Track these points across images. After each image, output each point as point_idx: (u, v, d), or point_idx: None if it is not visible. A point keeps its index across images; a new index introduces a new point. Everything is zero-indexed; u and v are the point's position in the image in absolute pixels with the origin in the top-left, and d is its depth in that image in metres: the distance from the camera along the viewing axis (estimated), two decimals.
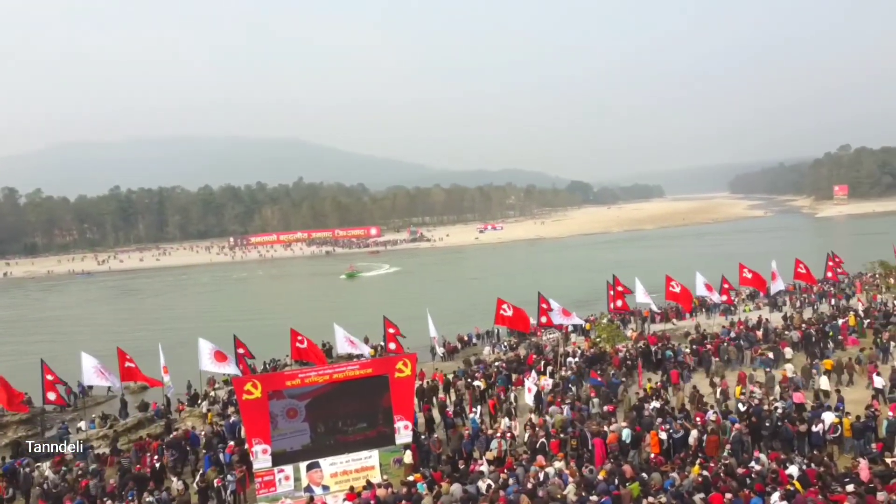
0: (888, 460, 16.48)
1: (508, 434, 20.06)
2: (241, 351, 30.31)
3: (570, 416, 20.90)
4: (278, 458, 17.55)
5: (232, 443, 20.81)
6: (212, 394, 31.64)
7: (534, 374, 27.73)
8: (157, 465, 20.16)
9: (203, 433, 23.03)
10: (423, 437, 20.54)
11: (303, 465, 17.68)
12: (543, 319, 29.70)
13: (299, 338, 30.29)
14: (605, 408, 22.05)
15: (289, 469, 17.65)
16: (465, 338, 42.28)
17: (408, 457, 18.52)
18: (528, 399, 23.86)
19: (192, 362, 30.58)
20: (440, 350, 36.94)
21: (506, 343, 39.44)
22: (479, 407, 23.36)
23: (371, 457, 18.34)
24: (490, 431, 20.35)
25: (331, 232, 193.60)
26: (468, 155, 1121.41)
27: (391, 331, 31.72)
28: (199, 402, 30.23)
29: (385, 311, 35.63)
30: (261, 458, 17.41)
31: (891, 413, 19.01)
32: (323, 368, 19.05)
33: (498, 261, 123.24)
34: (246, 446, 18.49)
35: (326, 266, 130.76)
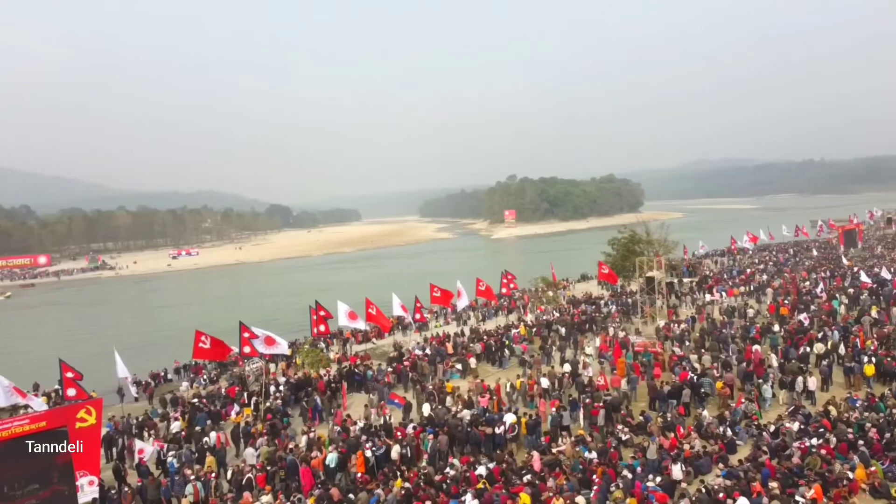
0: (554, 450, 19.29)
1: (212, 475, 19.08)
2: None
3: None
4: None
5: None
6: None
7: (237, 406, 26.84)
8: None
9: None
10: (112, 491, 18.50)
11: None
12: (247, 349, 28.76)
13: None
14: (311, 434, 22.14)
15: None
16: (161, 374, 39.00)
17: None
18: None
19: None
20: (133, 390, 33.47)
21: (205, 377, 37.28)
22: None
23: None
24: (189, 473, 19.13)
25: None
26: (157, 175, 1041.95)
27: (70, 375, 27.81)
28: None
29: (60, 352, 31.35)
30: None
31: (553, 408, 22.33)
32: None
33: (194, 288, 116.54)
34: None
35: None
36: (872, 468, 16.11)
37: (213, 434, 22.81)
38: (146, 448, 21.56)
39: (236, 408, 26.61)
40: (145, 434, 24.64)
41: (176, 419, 25.20)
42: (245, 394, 28.73)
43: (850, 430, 18.41)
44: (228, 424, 25.17)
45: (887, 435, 18.05)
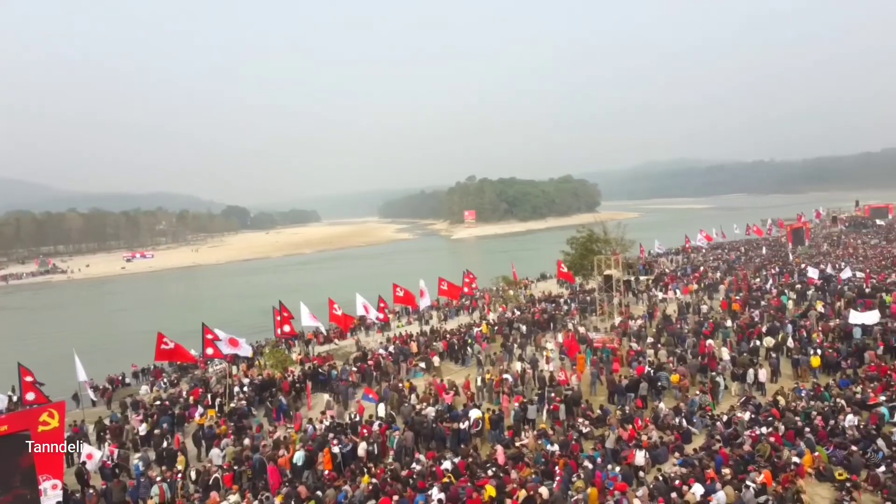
0: (518, 444, 19.79)
1: (178, 475, 19.07)
2: None
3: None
4: None
5: None
6: None
7: (200, 408, 26.71)
8: None
9: None
10: (76, 494, 18.35)
11: None
12: (210, 351, 28.62)
13: None
14: (278, 434, 22.25)
15: None
16: (118, 378, 38.36)
17: None
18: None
19: None
20: (91, 394, 32.87)
21: (164, 381, 36.85)
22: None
23: None
24: (154, 474, 19.09)
25: None
26: (106, 176, 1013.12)
27: (28, 379, 27.31)
28: None
29: (13, 357, 30.72)
30: None
31: (516, 403, 22.84)
32: None
33: (150, 291, 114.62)
34: None
35: None
36: (817, 453, 17.00)
37: (169, 436, 22.81)
38: (95, 453, 21.32)
39: (200, 409, 26.46)
40: (108, 437, 24.34)
41: (142, 422, 24.96)
42: (209, 395, 28.56)
43: (797, 418, 19.34)
44: (192, 427, 25.04)
45: (831, 422, 19.04)
